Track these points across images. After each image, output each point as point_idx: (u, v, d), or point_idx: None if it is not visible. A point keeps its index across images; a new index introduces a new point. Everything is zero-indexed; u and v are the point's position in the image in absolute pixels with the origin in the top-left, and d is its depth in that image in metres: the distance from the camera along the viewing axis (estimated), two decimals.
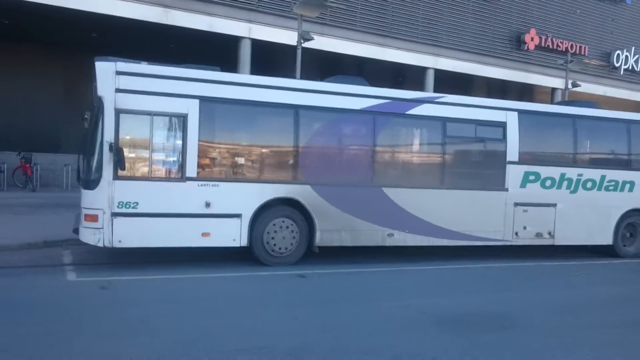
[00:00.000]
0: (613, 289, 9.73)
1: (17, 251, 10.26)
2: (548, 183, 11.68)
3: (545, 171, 11.65)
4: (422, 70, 23.70)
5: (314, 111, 10.19)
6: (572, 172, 11.89)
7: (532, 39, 25.71)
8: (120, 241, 9.03)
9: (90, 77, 9.28)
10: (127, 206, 9.01)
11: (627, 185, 12.37)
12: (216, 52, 20.20)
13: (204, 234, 9.46)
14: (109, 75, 8.97)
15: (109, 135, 8.90)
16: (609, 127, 12.57)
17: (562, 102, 13.76)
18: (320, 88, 10.35)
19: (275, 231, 9.90)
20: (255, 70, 20.91)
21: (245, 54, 20.24)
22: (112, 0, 17.47)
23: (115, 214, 8.94)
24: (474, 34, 24.54)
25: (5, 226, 11.99)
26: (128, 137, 9.13)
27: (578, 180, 11.93)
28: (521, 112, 11.55)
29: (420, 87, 23.33)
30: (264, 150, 10.25)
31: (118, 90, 8.95)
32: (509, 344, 6.30)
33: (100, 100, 8.95)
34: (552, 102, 26.01)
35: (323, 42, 19.93)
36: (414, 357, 5.67)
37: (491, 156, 11.54)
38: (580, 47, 26.98)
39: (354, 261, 10.60)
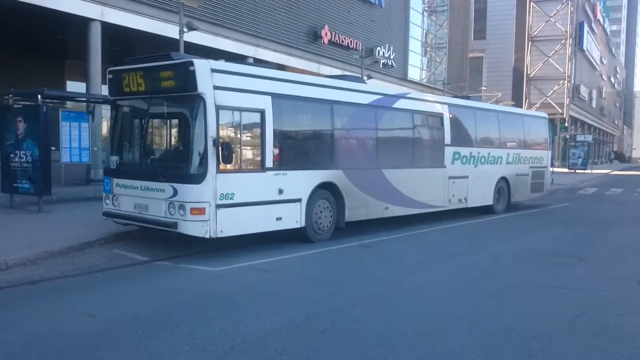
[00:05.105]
0: (563, 230, 14.07)
1: (66, 255, 9.60)
2: (464, 160, 15.19)
3: (463, 151, 15.13)
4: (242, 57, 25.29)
5: (342, 105, 11.81)
6: (475, 151, 15.62)
7: (326, 34, 29.32)
8: (222, 231, 9.47)
9: None
10: (227, 197, 9.51)
11: (499, 159, 16.69)
12: (62, 34, 19.05)
13: (278, 219, 10.42)
14: (206, 73, 9.28)
15: (212, 131, 9.25)
16: (489, 115, 16.65)
17: (465, 97, 17.33)
18: (345, 86, 12.00)
19: (321, 211, 11.30)
20: (109, 56, 20.11)
21: (95, 37, 19.36)
22: None
23: (218, 206, 9.38)
24: (285, 27, 27.03)
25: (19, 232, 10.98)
26: (225, 132, 9.57)
27: (477, 157, 15.71)
28: (449, 105, 14.77)
29: None
30: (314, 140, 11.56)
31: (215, 88, 9.35)
32: (592, 267, 9.50)
33: (199, 97, 9.22)
34: None
35: (165, 28, 20.26)
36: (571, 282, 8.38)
37: (437, 140, 14.52)
38: (356, 43, 31.60)
39: (366, 232, 12.35)
